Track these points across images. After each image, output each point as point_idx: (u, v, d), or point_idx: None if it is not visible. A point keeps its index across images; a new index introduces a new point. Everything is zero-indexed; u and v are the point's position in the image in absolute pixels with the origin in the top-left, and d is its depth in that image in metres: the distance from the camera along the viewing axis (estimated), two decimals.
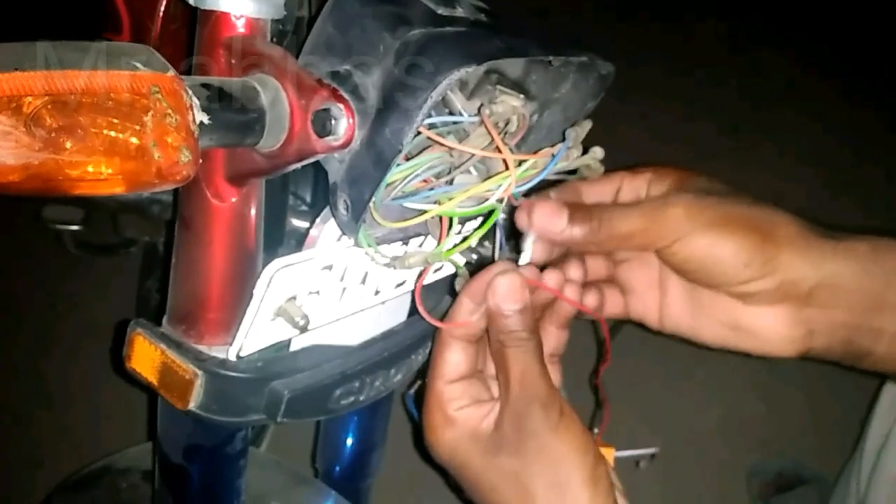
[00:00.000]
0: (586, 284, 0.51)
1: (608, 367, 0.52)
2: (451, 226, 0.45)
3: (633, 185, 0.50)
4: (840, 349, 0.47)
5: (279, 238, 0.62)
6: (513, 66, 0.48)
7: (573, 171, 0.49)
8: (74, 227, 0.92)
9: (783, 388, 1.54)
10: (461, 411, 0.45)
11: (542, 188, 0.50)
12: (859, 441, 0.96)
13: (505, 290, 0.43)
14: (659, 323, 0.52)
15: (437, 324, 0.46)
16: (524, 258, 0.46)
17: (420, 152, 0.44)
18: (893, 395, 0.91)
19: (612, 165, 0.50)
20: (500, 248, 0.48)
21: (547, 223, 0.44)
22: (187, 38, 0.47)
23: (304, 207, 0.70)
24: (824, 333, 0.46)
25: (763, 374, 1.54)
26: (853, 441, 1.00)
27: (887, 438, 0.87)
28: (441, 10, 0.43)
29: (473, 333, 0.46)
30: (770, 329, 0.47)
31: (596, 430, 0.53)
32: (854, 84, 2.39)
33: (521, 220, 0.45)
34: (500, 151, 0.42)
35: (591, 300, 0.51)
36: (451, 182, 0.44)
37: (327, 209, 0.48)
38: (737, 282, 0.45)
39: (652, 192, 0.49)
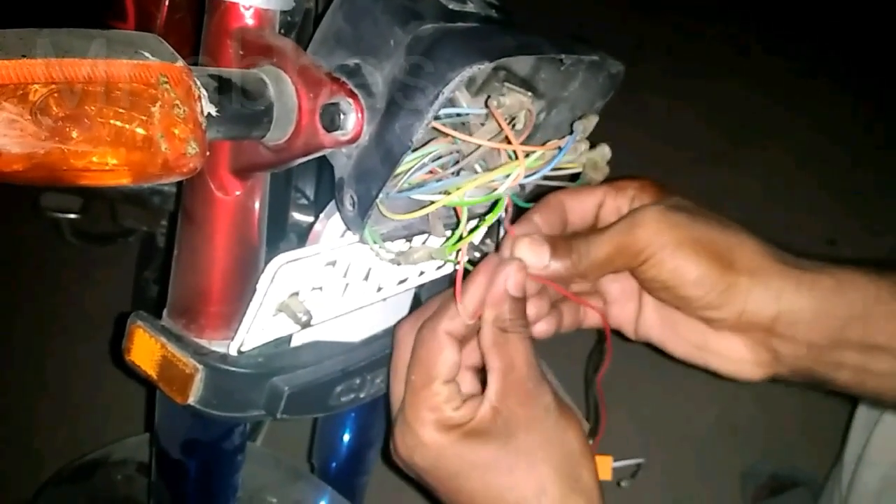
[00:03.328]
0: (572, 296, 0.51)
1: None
2: (462, 217, 0.45)
3: (616, 204, 0.50)
4: (804, 375, 0.47)
5: (281, 233, 0.62)
6: (521, 64, 0.48)
7: (575, 177, 0.49)
8: (72, 216, 0.91)
9: (777, 391, 1.54)
10: (458, 411, 0.44)
11: (544, 192, 0.49)
12: (840, 452, 0.97)
13: (518, 276, 0.44)
14: (634, 333, 0.53)
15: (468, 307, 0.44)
16: None
17: (425, 144, 0.44)
18: (870, 408, 0.91)
19: (614, 164, 0.50)
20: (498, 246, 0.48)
21: (530, 259, 0.45)
22: (193, 28, 0.46)
23: (304, 201, 0.70)
24: (788, 362, 0.47)
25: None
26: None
27: (864, 450, 0.88)
28: (452, 5, 0.43)
29: (471, 331, 0.45)
30: (736, 353, 0.47)
31: (591, 441, 0.53)
32: (856, 89, 2.39)
33: (504, 253, 0.46)
34: (508, 142, 0.42)
35: (568, 315, 0.51)
36: (457, 174, 0.44)
37: (331, 204, 0.48)
38: (699, 307, 0.46)
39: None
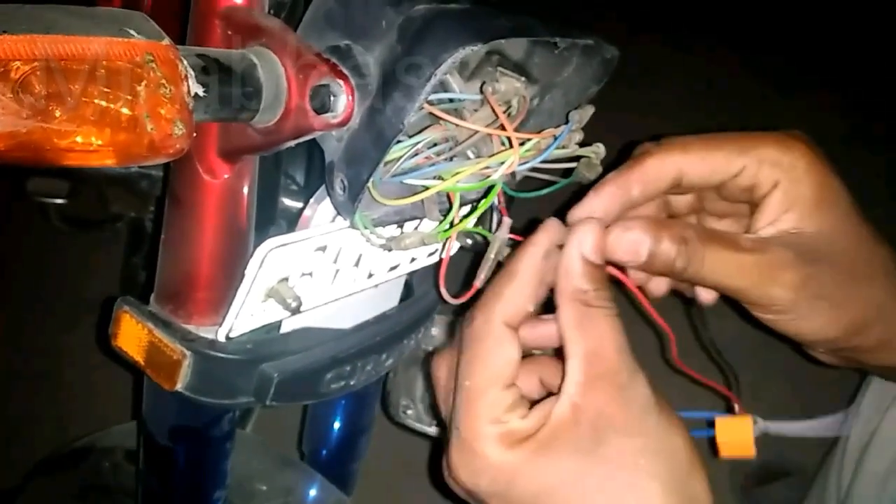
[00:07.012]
0: None
1: None
2: (455, 203, 0.44)
3: (758, 175, 0.43)
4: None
5: (270, 218, 0.61)
6: (515, 48, 0.47)
7: (568, 174, 0.49)
8: (59, 201, 0.90)
9: (769, 380, 1.55)
10: (526, 420, 0.37)
11: (536, 188, 0.49)
12: (837, 439, 0.96)
13: (594, 238, 0.38)
14: None
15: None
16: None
17: (420, 131, 0.43)
18: (880, 392, 0.91)
19: (609, 156, 0.49)
20: (497, 231, 0.47)
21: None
22: (181, 8, 0.45)
23: (294, 187, 0.69)
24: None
25: (749, 365, 1.54)
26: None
27: (872, 436, 0.87)
28: None
29: (527, 315, 0.39)
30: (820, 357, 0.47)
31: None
32: (849, 84, 2.40)
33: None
34: (503, 129, 0.42)
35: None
36: (450, 160, 0.43)
37: (321, 189, 0.47)
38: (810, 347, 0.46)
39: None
